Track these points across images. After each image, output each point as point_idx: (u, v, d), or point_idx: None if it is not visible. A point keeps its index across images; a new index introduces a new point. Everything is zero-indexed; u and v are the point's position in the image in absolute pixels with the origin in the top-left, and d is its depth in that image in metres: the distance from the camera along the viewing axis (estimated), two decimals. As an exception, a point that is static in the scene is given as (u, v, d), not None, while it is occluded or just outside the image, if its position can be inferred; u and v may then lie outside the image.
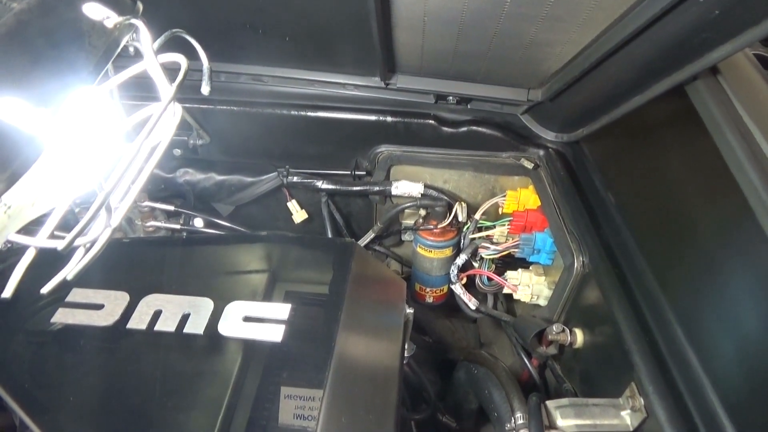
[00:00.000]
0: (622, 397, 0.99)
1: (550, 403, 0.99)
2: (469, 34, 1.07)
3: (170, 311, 0.95)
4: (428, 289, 1.64)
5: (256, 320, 0.94)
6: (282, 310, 0.96)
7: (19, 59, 0.51)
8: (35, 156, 0.54)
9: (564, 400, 1.00)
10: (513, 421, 0.98)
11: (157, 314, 0.94)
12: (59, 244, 0.53)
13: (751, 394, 0.83)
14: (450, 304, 1.70)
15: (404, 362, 1.24)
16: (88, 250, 0.59)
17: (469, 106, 1.51)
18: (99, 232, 0.58)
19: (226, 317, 0.94)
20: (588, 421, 0.97)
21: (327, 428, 0.78)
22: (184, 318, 0.93)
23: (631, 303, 1.08)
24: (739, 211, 0.84)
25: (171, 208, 1.45)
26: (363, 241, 1.68)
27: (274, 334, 0.91)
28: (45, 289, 0.58)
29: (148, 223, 1.36)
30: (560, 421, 0.96)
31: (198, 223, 1.47)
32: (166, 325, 0.92)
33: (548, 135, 1.50)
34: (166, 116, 0.60)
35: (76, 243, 0.55)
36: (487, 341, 1.82)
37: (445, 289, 1.64)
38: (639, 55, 0.97)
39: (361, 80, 1.44)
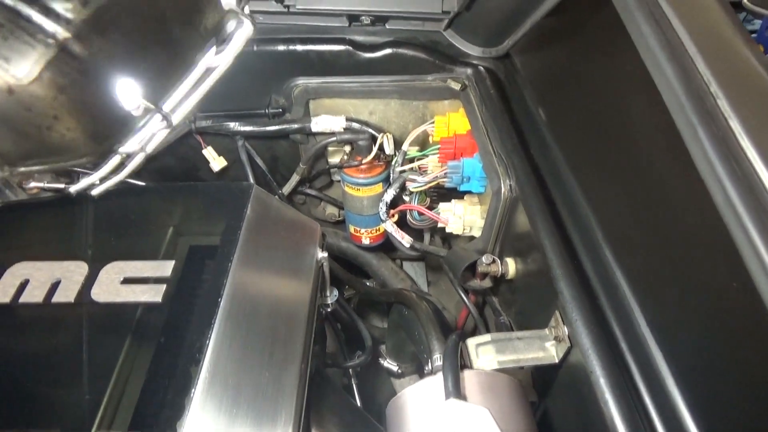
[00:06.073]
0: (548, 327, 0.92)
1: (471, 341, 0.91)
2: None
3: (38, 280, 0.84)
4: (363, 230, 1.54)
5: (135, 281, 0.84)
6: (164, 267, 0.86)
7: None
8: (127, 135, 0.67)
9: (486, 336, 0.91)
10: (430, 363, 0.90)
11: (23, 285, 0.83)
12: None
13: (680, 314, 0.76)
14: (391, 244, 1.61)
15: (329, 309, 1.16)
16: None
17: (387, 26, 1.36)
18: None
19: (101, 281, 0.84)
20: (511, 357, 0.89)
21: (208, 390, 0.70)
22: (54, 286, 0.83)
23: (558, 226, 0.99)
24: (662, 114, 0.73)
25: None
26: (289, 186, 1.56)
27: (155, 294, 0.82)
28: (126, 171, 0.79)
29: (30, 185, 1.22)
30: (480, 360, 0.88)
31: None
32: (33, 295, 0.82)
33: (474, 51, 1.36)
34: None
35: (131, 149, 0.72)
36: (434, 280, 1.74)
37: (382, 229, 1.54)
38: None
39: (257, 5, 1.28)
